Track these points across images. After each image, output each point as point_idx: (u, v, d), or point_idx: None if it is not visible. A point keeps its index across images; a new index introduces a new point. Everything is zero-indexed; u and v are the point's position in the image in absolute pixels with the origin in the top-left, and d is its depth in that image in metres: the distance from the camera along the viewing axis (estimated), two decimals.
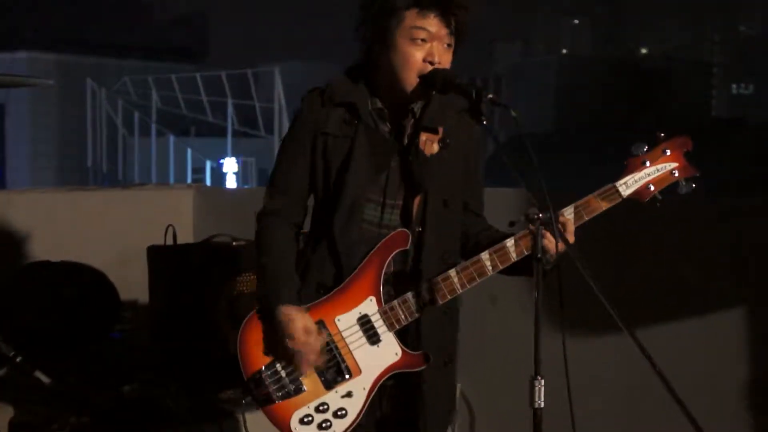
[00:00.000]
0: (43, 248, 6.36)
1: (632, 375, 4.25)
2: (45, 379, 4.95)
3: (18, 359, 4.96)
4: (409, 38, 2.90)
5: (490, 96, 2.83)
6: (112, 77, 27.45)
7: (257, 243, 3.11)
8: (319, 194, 3.07)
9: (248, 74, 26.31)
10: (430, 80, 2.91)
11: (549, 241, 2.77)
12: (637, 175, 2.96)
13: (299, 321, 2.88)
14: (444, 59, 2.93)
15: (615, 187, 2.95)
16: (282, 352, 2.93)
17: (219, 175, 26.97)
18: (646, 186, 2.96)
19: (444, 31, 2.92)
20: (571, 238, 2.87)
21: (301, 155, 3.06)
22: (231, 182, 26.06)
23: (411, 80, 2.93)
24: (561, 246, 2.73)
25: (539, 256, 2.73)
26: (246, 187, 24.04)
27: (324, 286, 3.00)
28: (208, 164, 27.60)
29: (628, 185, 2.95)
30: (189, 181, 25.68)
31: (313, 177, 3.06)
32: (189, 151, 27.76)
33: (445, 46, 2.94)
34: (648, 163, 2.96)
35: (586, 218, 2.95)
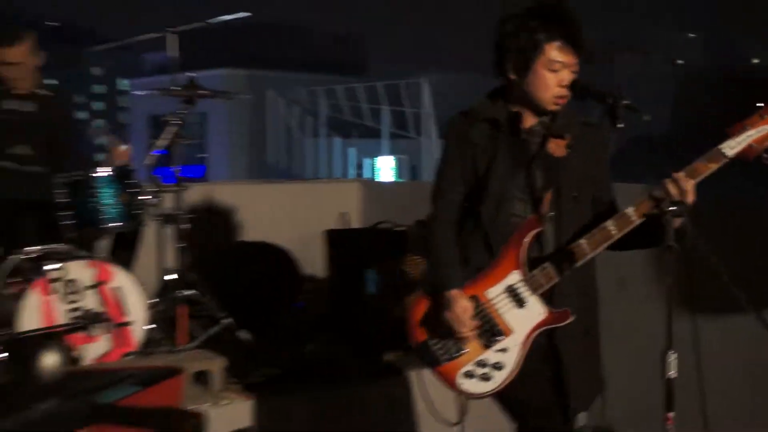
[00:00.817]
0: (241, 230, 6.60)
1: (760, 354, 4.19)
2: (246, 336, 5.19)
3: (227, 321, 5.19)
4: (548, 68, 3.02)
5: (626, 102, 2.93)
6: (289, 89, 27.89)
7: (429, 239, 3.23)
8: (469, 192, 3.18)
9: (400, 85, 26.37)
10: (572, 89, 3.04)
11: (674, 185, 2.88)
12: (739, 138, 2.93)
13: (461, 302, 3.03)
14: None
15: (719, 149, 2.94)
16: (446, 323, 3.05)
17: (376, 171, 27.17)
18: (749, 146, 2.93)
19: (574, 61, 3.04)
20: (690, 197, 2.89)
21: (457, 167, 3.19)
22: (387, 177, 26.19)
23: (546, 100, 3.06)
24: (691, 198, 2.86)
25: (670, 244, 2.80)
26: (401, 180, 24.12)
27: (481, 269, 3.12)
28: (367, 162, 27.83)
29: (731, 147, 2.93)
30: (351, 175, 26.07)
31: (466, 180, 3.18)
32: (351, 150, 28.03)
33: (573, 71, 3.06)
34: (748, 128, 2.93)
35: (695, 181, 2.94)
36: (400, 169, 27.21)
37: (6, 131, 4.98)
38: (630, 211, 3.00)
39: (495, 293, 3.09)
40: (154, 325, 4.67)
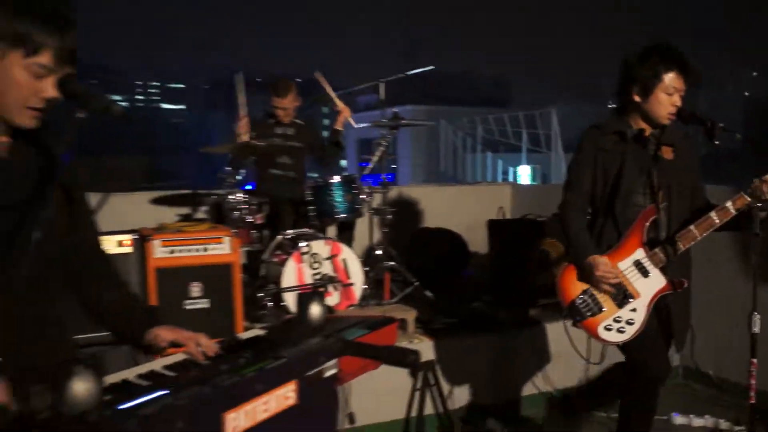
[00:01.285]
0: (425, 219, 6.66)
1: None
2: (430, 295, 5.24)
3: (416, 284, 5.25)
4: (666, 92, 2.98)
5: (721, 125, 2.95)
6: (456, 118, 27.97)
7: (564, 221, 3.17)
8: (600, 190, 3.13)
9: (536, 114, 25.91)
10: (680, 114, 3.00)
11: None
12: None
13: (600, 260, 3.00)
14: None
15: None
16: (592, 283, 3.04)
17: (517, 177, 26.81)
18: None
19: (683, 86, 3.01)
20: None
21: (588, 166, 3.14)
22: (525, 181, 25.79)
23: (662, 117, 3.02)
24: None
25: (757, 232, 2.86)
26: (536, 183, 23.75)
27: (611, 246, 3.08)
28: (510, 170, 27.47)
29: None
30: (499, 180, 25.86)
31: (595, 179, 3.12)
32: (499, 161, 27.73)
33: (682, 94, 3.02)
34: None
35: None
36: (534, 176, 26.70)
37: (276, 149, 5.21)
38: (729, 204, 2.96)
39: (625, 265, 3.05)
40: (366, 286, 4.75)
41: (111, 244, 3.71)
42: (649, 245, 3.05)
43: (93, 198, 2.00)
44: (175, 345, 1.94)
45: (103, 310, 2.00)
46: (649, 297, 3.04)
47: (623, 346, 3.12)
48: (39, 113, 1.65)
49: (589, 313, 3.06)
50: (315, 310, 1.89)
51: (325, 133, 5.87)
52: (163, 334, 1.93)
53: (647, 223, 3.03)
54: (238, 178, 4.81)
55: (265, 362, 1.66)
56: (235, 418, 1.51)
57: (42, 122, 1.71)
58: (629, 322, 3.04)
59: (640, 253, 3.04)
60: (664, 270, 3.05)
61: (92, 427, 1.26)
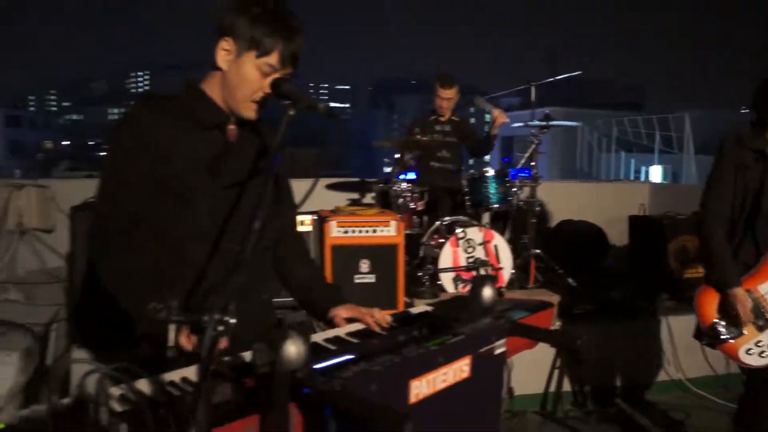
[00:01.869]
0: (569, 211, 6.40)
1: None
2: (572, 282, 5.03)
3: (560, 271, 5.06)
4: None
5: None
6: (592, 120, 26.95)
7: (706, 241, 2.84)
8: (739, 205, 2.81)
9: (669, 118, 24.42)
10: None
11: None
12: None
13: (743, 298, 2.71)
14: None
15: None
16: (729, 312, 2.75)
17: (649, 176, 25.43)
18: None
19: None
20: None
21: (729, 179, 2.81)
22: (656, 179, 24.42)
23: None
24: None
25: None
26: (666, 182, 22.42)
27: (747, 266, 2.77)
28: (643, 169, 26.08)
29: None
30: (631, 178, 24.61)
31: (735, 193, 2.80)
32: (631, 161, 26.40)
33: None
34: None
35: None
36: (665, 175, 25.20)
37: (437, 143, 5.19)
38: None
39: (766, 289, 2.74)
40: (514, 271, 4.63)
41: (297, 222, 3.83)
42: None
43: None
44: (352, 321, 1.96)
45: (296, 284, 2.07)
46: None
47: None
48: (259, 106, 1.77)
49: (728, 337, 2.78)
50: (487, 292, 1.84)
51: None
52: (343, 312, 1.96)
53: None
54: (410, 168, 4.84)
55: (445, 337, 1.63)
56: (418, 385, 1.50)
57: (259, 117, 1.80)
58: None
59: None
60: None
61: (302, 383, 1.27)
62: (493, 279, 1.86)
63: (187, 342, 1.51)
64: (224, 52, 1.74)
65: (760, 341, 2.74)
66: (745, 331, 2.75)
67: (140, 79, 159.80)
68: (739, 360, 2.78)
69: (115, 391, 1.32)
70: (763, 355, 2.73)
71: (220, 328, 1.10)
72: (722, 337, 2.78)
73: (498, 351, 1.76)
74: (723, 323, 2.79)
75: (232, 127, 1.85)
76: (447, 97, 5.26)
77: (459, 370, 1.62)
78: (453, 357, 1.59)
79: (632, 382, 4.44)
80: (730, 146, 2.84)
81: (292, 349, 1.27)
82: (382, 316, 1.91)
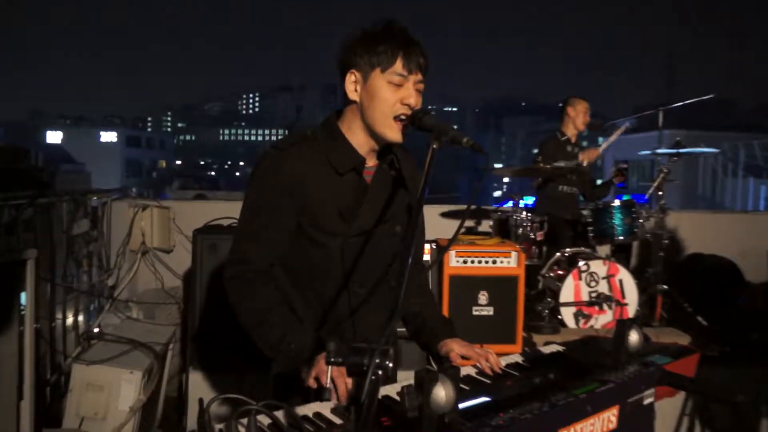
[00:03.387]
0: (698, 244, 6.08)
1: None
2: (703, 321, 4.77)
3: (689, 308, 4.81)
4: None
5: None
6: (715, 143, 25.61)
7: None
8: None
9: None
10: None
11: None
12: None
13: None
14: None
15: None
16: None
17: None
18: None
19: None
20: None
21: None
22: None
23: None
24: None
25: None
26: None
27: None
28: None
29: None
30: (761, 208, 23.08)
31: None
32: (762, 187, 24.82)
33: None
34: None
35: None
36: None
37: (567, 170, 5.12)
38: None
39: None
40: (639, 307, 4.44)
41: None
42: None
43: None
44: (465, 357, 1.93)
45: (410, 313, 2.08)
46: None
47: None
48: (403, 126, 1.79)
49: None
50: (633, 337, 1.77)
51: None
52: (457, 348, 1.93)
53: None
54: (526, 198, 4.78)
55: (593, 385, 1.58)
56: None
57: (401, 147, 1.83)
58: None
59: None
60: None
61: (449, 428, 1.27)
62: (638, 322, 1.79)
63: (342, 384, 1.54)
64: (352, 84, 1.80)
65: None
66: None
67: (251, 101, 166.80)
68: None
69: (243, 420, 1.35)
70: None
71: (380, 372, 1.11)
72: None
73: (647, 401, 1.69)
74: None
75: (368, 170, 1.89)
76: (587, 109, 5.21)
77: (607, 420, 1.56)
78: (601, 406, 1.54)
79: None
80: None
81: (442, 393, 1.27)
82: (496, 361, 1.86)
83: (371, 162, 1.90)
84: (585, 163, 5.11)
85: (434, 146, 1.61)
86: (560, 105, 5.43)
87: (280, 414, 1.39)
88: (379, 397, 1.55)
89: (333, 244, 1.82)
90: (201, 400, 1.28)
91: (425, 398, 1.25)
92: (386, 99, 1.76)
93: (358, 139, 1.85)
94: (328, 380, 1.21)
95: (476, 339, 3.73)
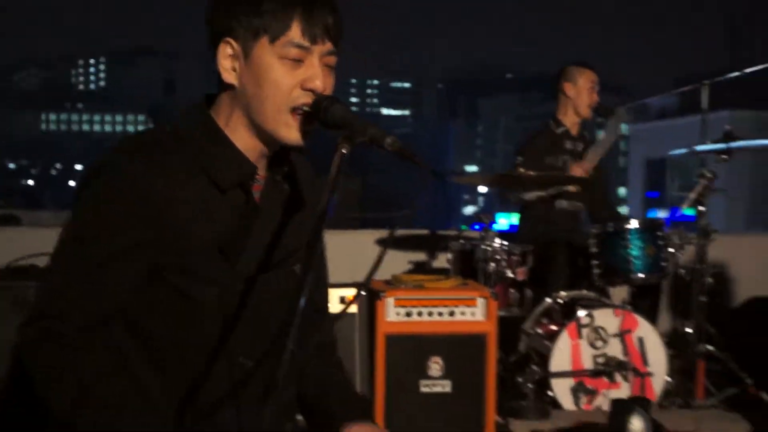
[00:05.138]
0: (756, 285, 6.35)
1: None
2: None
3: (748, 380, 4.99)
4: None
5: None
6: None
7: None
8: None
9: None
10: None
11: None
12: None
13: None
14: None
15: None
16: None
17: None
18: None
19: None
20: None
21: None
22: None
23: None
24: None
25: None
26: None
27: None
28: None
29: None
30: None
31: None
32: None
33: None
34: None
35: None
36: None
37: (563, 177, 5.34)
38: None
39: None
40: (671, 378, 4.62)
41: (331, 300, 3.90)
42: None
43: None
44: None
45: (306, 384, 2.12)
46: None
47: None
48: (304, 123, 1.82)
49: None
50: (637, 425, 1.89)
51: None
52: None
53: None
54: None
55: None
56: None
57: (302, 151, 1.90)
58: None
59: None
60: None
61: None
62: (645, 404, 1.92)
63: None
64: (228, 60, 1.83)
65: None
66: None
67: (93, 69, 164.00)
68: None
69: None
70: None
71: None
72: None
73: None
74: None
75: (258, 185, 1.93)
76: (594, 83, 5.40)
77: None
78: None
79: None
80: None
81: None
82: None
83: (260, 172, 1.94)
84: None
85: (343, 150, 1.65)
86: (555, 79, 5.60)
87: None
88: None
89: (209, 296, 1.83)
90: None
91: None
92: (278, 83, 1.79)
93: (243, 141, 1.87)
94: None
95: (427, 428, 3.85)
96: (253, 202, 1.89)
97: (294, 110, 1.80)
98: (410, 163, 1.68)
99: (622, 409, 1.85)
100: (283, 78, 1.78)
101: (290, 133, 1.82)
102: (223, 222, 1.84)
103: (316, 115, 1.76)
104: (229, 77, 1.83)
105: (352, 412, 2.05)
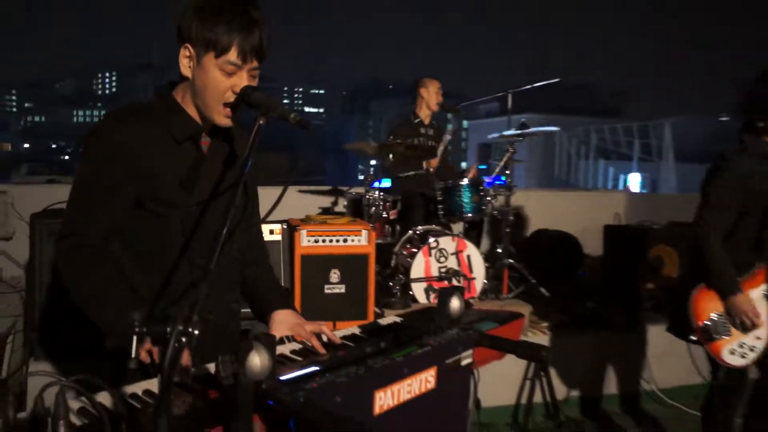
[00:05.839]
0: (543, 221, 6.51)
1: None
2: (545, 292, 5.12)
3: (533, 281, 5.13)
4: None
5: None
6: (571, 128, 27.21)
7: (705, 246, 2.86)
8: (750, 213, 2.85)
9: (649, 125, 24.81)
10: None
11: None
12: None
13: (747, 303, 2.84)
14: None
15: None
16: (731, 314, 2.86)
17: (627, 184, 25.78)
18: None
19: None
20: None
21: (733, 189, 2.83)
22: (634, 188, 24.75)
23: None
24: None
25: None
26: (642, 191, 22.73)
27: (741, 274, 2.87)
28: (621, 177, 26.45)
29: None
30: (609, 187, 24.96)
31: (742, 202, 2.83)
32: (610, 169, 26.75)
33: None
34: None
35: None
36: (643, 183, 25.57)
37: (426, 148, 5.27)
38: None
39: (756, 294, 2.86)
40: (486, 281, 4.69)
41: (263, 232, 3.84)
42: None
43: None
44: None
45: (245, 284, 2.08)
46: None
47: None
48: (232, 112, 1.78)
49: (717, 336, 2.88)
50: (454, 303, 1.89)
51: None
52: (286, 323, 1.95)
53: None
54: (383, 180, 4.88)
55: (411, 348, 1.67)
56: (383, 396, 1.54)
57: (236, 123, 1.81)
58: (752, 349, 2.87)
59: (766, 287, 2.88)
60: None
61: (266, 394, 1.31)
62: (461, 290, 1.91)
63: (147, 353, 1.54)
64: (186, 59, 1.76)
65: (743, 343, 2.87)
66: (732, 332, 2.87)
67: (107, 80, 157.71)
68: (722, 359, 2.88)
69: (75, 404, 1.34)
70: (744, 356, 2.87)
71: (183, 339, 1.13)
72: (713, 335, 2.88)
73: (465, 362, 1.81)
74: (714, 323, 2.88)
75: (205, 141, 1.88)
76: (439, 89, 5.39)
77: (424, 381, 1.66)
78: (418, 368, 1.63)
79: (605, 393, 4.53)
80: (732, 156, 2.86)
81: (257, 360, 1.30)
82: (331, 335, 1.90)
83: (206, 137, 1.88)
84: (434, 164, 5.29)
85: (261, 122, 1.60)
86: (414, 86, 5.58)
87: (106, 394, 1.36)
88: (210, 371, 1.57)
89: (173, 215, 1.79)
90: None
91: (240, 366, 1.28)
92: (216, 86, 1.73)
93: (192, 112, 1.83)
94: (133, 350, 1.20)
95: (329, 316, 3.84)
96: (201, 152, 1.86)
97: (225, 105, 1.76)
98: (304, 129, 1.63)
99: (445, 293, 1.83)
100: (220, 83, 1.73)
101: (221, 119, 1.78)
102: (181, 165, 1.81)
103: (243, 99, 1.71)
104: (185, 72, 1.77)
105: (280, 302, 2.02)
